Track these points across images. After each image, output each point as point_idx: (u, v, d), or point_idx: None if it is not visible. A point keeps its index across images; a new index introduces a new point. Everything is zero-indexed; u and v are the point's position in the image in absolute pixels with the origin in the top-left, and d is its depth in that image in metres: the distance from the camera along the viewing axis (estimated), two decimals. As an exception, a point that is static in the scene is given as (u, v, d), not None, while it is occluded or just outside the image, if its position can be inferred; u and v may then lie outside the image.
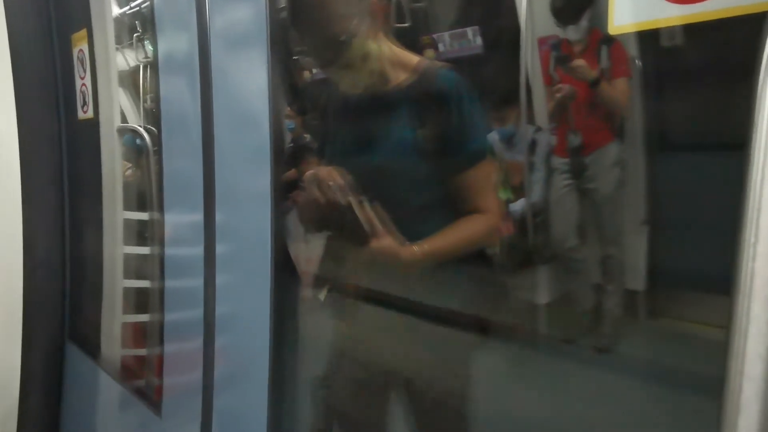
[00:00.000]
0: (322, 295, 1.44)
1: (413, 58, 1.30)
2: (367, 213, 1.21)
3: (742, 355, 0.45)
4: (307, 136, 1.77)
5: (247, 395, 1.29)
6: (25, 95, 2.02)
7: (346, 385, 1.48)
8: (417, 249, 1.21)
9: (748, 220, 0.46)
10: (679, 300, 1.54)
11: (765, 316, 0.45)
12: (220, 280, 1.34)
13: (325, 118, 1.42)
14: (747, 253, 0.46)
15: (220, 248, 1.34)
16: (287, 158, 1.35)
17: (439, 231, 1.25)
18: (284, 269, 1.25)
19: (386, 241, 1.21)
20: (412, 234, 1.22)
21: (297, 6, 1.24)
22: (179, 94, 1.48)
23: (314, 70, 2.08)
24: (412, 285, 1.30)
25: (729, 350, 0.46)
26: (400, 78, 1.28)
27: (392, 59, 1.28)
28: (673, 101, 1.68)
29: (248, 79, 1.28)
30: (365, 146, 1.31)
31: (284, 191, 1.29)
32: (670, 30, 1.25)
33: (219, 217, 1.34)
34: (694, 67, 1.48)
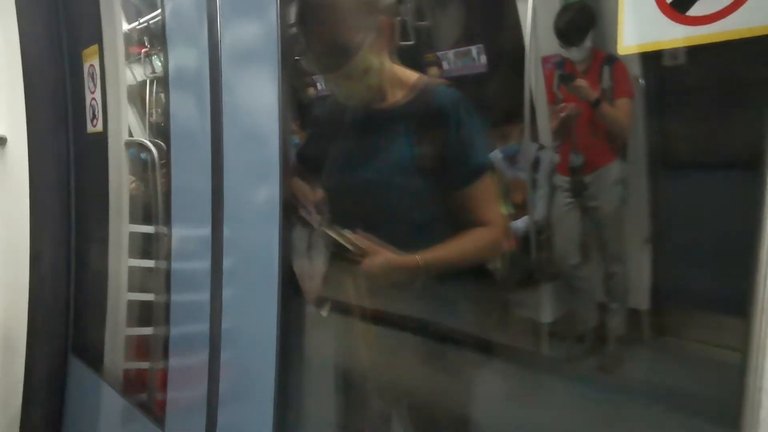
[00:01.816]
0: (325, 311, 1.45)
1: (412, 76, 1.31)
2: (348, 237, 1.22)
3: (761, 370, 0.46)
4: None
5: (252, 410, 1.29)
6: (35, 109, 2.04)
7: (348, 400, 1.48)
8: (419, 258, 1.22)
9: (765, 236, 0.47)
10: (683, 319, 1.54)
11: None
12: (226, 294, 1.35)
13: (324, 135, 1.44)
14: (764, 269, 0.47)
15: (227, 262, 1.35)
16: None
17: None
18: (291, 284, 1.25)
19: (380, 257, 1.22)
20: (414, 249, 1.22)
21: (307, 9, 1.26)
22: (189, 108, 1.50)
23: (319, 87, 2.11)
24: (409, 301, 1.31)
25: (746, 365, 0.47)
26: (398, 95, 1.29)
27: (392, 77, 1.29)
28: (675, 121, 1.70)
29: (258, 95, 1.30)
30: (363, 163, 1.32)
31: (292, 206, 1.30)
32: (672, 51, 1.27)
33: (227, 231, 1.34)
34: (696, 87, 1.50)
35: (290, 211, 1.26)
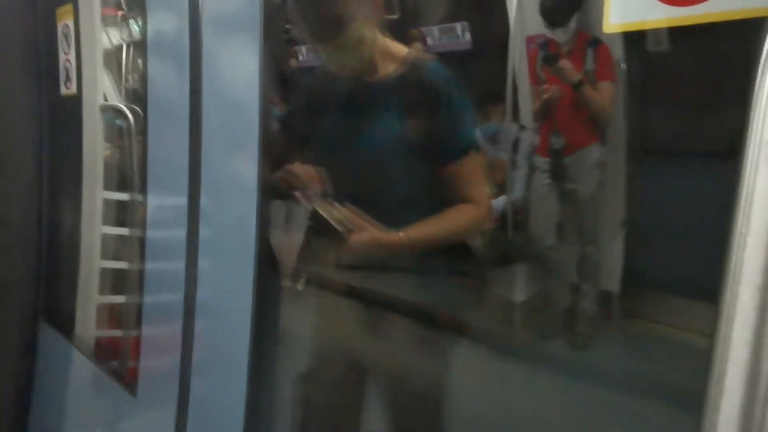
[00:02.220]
0: (300, 285, 1.45)
1: (402, 50, 1.31)
2: (337, 213, 1.23)
3: (728, 340, 0.48)
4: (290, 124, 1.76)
5: (225, 380, 1.29)
6: (5, 67, 1.97)
7: (324, 375, 1.49)
8: (402, 235, 1.23)
9: (740, 211, 0.49)
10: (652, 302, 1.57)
11: (752, 302, 0.47)
12: (202, 263, 1.34)
13: (311, 107, 1.43)
14: (738, 243, 0.49)
15: (204, 232, 1.34)
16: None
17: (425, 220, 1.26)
18: (268, 256, 1.25)
19: (366, 234, 1.22)
20: (399, 224, 1.23)
21: None
22: (167, 75, 1.47)
23: (302, 58, 2.08)
24: (386, 277, 1.32)
25: (715, 336, 0.49)
26: (389, 69, 1.29)
27: (383, 49, 1.29)
28: (656, 105, 1.71)
29: (239, 63, 1.28)
30: (352, 136, 1.32)
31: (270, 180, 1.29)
32: (656, 34, 1.27)
33: (204, 200, 1.33)
34: (679, 71, 1.51)
35: (270, 183, 1.25)
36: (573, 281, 1.97)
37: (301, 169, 1.28)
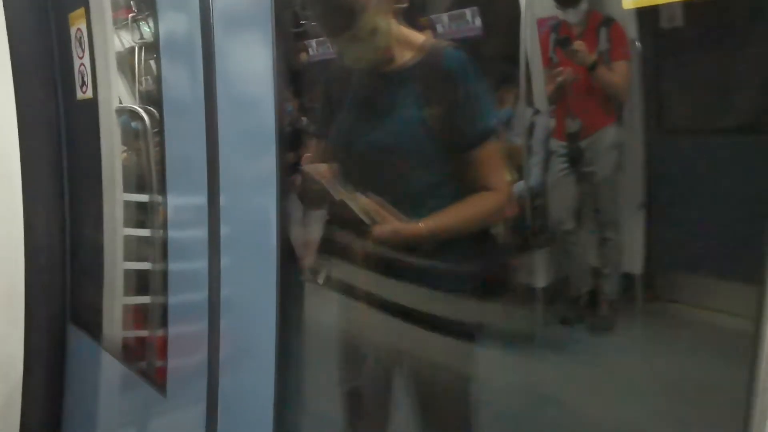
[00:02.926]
0: (321, 278, 1.46)
1: (419, 37, 1.31)
2: (363, 204, 1.23)
3: None
4: (305, 119, 1.77)
5: (253, 375, 1.31)
6: (22, 75, 2.00)
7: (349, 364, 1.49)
8: (422, 225, 1.23)
9: None
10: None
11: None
12: (225, 261, 1.35)
13: (329, 99, 1.42)
14: None
15: (224, 230, 1.34)
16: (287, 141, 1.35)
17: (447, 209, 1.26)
18: (290, 251, 1.25)
19: (388, 225, 1.23)
20: (421, 213, 1.23)
21: None
22: (181, 75, 1.47)
23: (312, 52, 2.07)
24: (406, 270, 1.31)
25: (760, 335, 0.47)
26: (405, 57, 1.28)
27: (399, 37, 1.28)
28: (673, 84, 1.68)
29: (252, 60, 1.28)
30: (372, 126, 1.31)
31: (289, 173, 1.29)
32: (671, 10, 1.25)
33: (223, 199, 1.34)
34: (696, 50, 1.48)
35: (288, 177, 1.25)
36: (594, 265, 1.95)
37: (324, 166, 1.28)
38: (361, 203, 1.23)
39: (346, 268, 1.43)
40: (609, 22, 1.81)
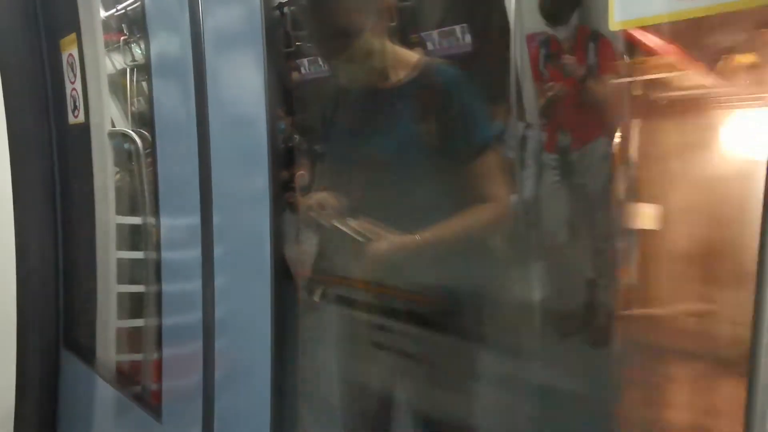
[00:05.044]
0: (317, 296, 1.45)
1: (413, 56, 1.32)
2: (355, 225, 1.24)
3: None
4: (297, 138, 1.77)
5: (249, 397, 1.29)
6: (14, 101, 2.00)
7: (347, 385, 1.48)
8: (419, 238, 1.23)
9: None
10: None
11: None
12: (219, 282, 1.34)
13: (324, 118, 1.43)
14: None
15: (218, 251, 1.34)
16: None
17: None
18: (285, 270, 1.25)
19: (383, 241, 1.23)
20: (418, 227, 1.23)
21: None
22: (173, 96, 1.48)
23: (304, 70, 2.08)
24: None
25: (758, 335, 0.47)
26: (400, 75, 1.30)
27: (393, 57, 1.30)
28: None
29: (244, 80, 1.28)
30: (370, 145, 1.32)
31: (282, 192, 1.30)
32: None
33: (217, 219, 1.33)
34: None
35: (281, 196, 1.26)
36: (589, 276, 1.95)
37: (320, 197, 1.30)
38: (352, 226, 1.25)
39: (341, 288, 1.43)
40: (597, 37, 1.83)
